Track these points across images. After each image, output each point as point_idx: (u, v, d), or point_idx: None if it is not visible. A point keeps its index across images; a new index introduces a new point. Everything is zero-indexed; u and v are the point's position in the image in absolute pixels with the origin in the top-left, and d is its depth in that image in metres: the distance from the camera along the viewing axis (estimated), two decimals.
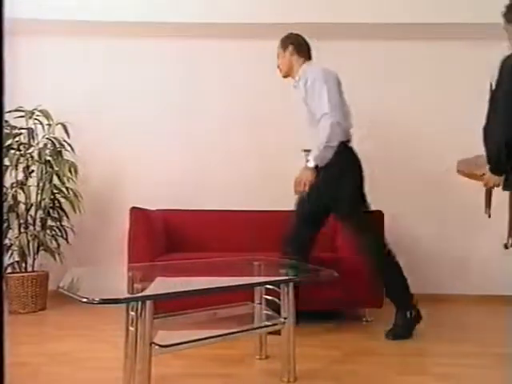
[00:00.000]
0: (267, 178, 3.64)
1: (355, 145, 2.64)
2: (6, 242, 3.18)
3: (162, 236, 3.14)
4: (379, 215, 2.89)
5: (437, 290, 3.41)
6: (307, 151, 2.64)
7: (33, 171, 3.29)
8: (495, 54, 2.11)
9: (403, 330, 2.48)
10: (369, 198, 2.67)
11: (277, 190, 3.64)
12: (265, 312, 2.12)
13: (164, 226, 3.21)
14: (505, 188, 2.15)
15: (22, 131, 3.28)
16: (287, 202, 3.52)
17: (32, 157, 3.27)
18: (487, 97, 2.09)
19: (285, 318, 1.91)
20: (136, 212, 3.01)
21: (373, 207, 2.90)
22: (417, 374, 2.01)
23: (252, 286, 2.14)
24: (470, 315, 3.07)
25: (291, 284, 1.91)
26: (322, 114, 2.45)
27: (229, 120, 3.70)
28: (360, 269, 2.76)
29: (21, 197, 3.20)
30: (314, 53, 2.73)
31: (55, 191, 3.31)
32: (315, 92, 2.49)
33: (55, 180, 3.30)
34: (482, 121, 2.08)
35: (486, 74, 2.07)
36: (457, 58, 3.60)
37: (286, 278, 1.98)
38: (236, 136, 3.69)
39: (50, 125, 3.37)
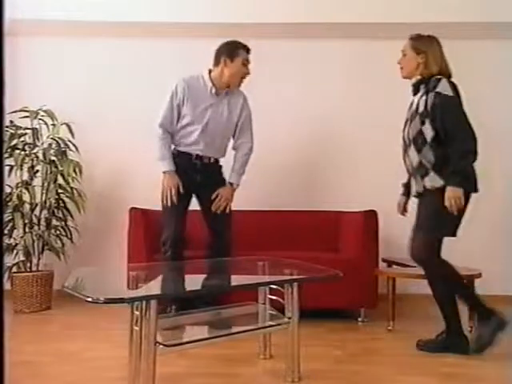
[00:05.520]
0: (263, 176, 3.62)
1: None
2: (11, 241, 3.20)
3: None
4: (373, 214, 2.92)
5: None
6: None
7: (38, 171, 3.30)
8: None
9: None
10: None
11: (274, 190, 3.65)
12: (269, 312, 2.12)
13: None
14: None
15: (27, 131, 3.29)
16: (282, 202, 3.55)
17: (37, 157, 3.29)
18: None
19: (289, 318, 1.91)
20: (135, 212, 3.04)
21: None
22: (421, 374, 2.01)
23: (256, 285, 2.14)
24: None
25: (295, 284, 1.91)
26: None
27: None
28: (356, 269, 2.76)
29: (26, 197, 3.21)
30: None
31: (60, 191, 3.32)
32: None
33: (60, 180, 3.31)
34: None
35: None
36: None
37: (291, 277, 1.97)
38: None
39: (54, 125, 3.38)
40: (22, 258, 3.22)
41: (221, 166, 2.85)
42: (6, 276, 3.14)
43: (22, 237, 3.17)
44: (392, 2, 3.60)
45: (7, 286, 3.13)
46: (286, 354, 1.91)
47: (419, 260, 2.32)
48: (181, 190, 2.64)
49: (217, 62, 2.68)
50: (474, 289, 2.54)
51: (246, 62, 2.68)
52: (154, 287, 1.89)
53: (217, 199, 2.69)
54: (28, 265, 3.22)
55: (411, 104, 2.42)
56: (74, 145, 3.41)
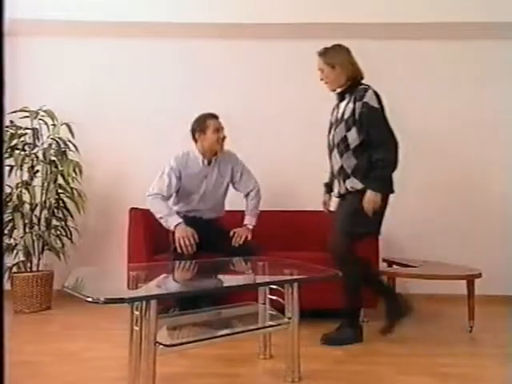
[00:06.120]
0: (263, 176, 3.63)
1: None
2: (11, 241, 3.20)
3: (163, 236, 3.14)
4: None
5: (437, 290, 3.38)
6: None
7: (38, 171, 3.30)
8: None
9: None
10: None
11: (275, 190, 3.65)
12: (269, 312, 2.12)
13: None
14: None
15: (27, 131, 3.29)
16: (283, 202, 3.55)
17: (37, 157, 3.29)
18: None
19: (289, 318, 1.90)
20: (135, 212, 3.04)
21: None
22: (420, 374, 2.01)
23: (256, 285, 2.14)
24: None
25: (295, 284, 1.91)
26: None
27: (231, 121, 3.69)
28: None
29: (26, 197, 3.21)
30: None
31: (60, 191, 3.32)
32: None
33: (60, 180, 3.31)
34: None
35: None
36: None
37: (291, 277, 1.97)
38: (238, 136, 3.69)
39: (54, 125, 3.39)
40: (22, 258, 3.22)
41: (219, 220, 3.09)
42: (6, 276, 3.14)
43: (22, 237, 3.17)
44: (392, 3, 3.60)
45: (7, 286, 3.13)
46: (286, 354, 1.91)
47: (336, 256, 2.41)
48: (196, 238, 2.74)
49: (195, 140, 2.92)
50: (383, 283, 2.63)
51: (217, 129, 2.88)
52: (154, 287, 1.89)
53: (235, 237, 2.86)
54: (28, 265, 3.22)
55: (336, 110, 2.53)
56: (74, 145, 3.41)
